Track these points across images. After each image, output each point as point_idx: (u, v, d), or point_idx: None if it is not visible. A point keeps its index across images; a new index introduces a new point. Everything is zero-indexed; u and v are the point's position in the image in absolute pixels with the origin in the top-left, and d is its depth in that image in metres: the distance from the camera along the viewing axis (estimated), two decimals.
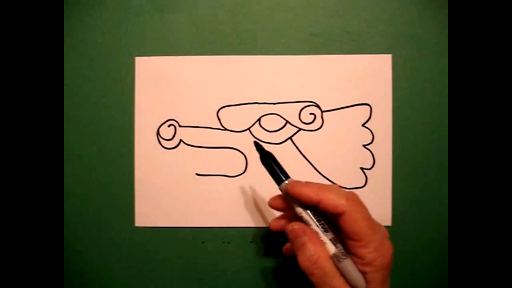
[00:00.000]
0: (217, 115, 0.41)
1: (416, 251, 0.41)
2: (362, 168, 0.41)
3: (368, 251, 0.30)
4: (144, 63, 0.41)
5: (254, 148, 0.35)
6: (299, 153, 0.41)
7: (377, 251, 0.30)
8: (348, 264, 0.30)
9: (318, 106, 0.41)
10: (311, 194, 0.31)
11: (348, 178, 0.41)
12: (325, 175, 0.41)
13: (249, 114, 0.41)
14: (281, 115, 0.41)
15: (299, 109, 0.41)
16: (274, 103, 0.41)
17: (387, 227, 0.41)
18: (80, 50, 0.41)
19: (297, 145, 0.41)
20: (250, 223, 0.41)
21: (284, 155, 0.41)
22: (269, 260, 0.41)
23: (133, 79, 0.41)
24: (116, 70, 0.41)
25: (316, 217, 0.31)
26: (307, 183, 0.32)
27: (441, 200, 0.41)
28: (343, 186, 0.41)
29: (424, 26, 0.41)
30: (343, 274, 0.30)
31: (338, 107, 0.41)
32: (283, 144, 0.41)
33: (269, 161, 0.34)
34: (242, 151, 0.41)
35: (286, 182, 0.33)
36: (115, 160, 0.41)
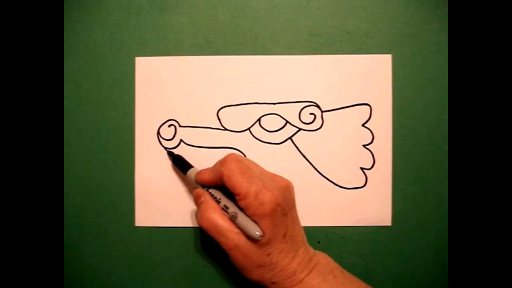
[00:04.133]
0: (217, 115, 0.41)
1: (416, 251, 0.41)
2: (362, 168, 0.41)
3: (248, 202, 0.33)
4: (144, 63, 0.41)
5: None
6: (299, 153, 0.41)
7: (255, 200, 0.33)
8: (241, 220, 0.34)
9: (318, 106, 0.41)
10: (206, 178, 0.36)
11: (348, 178, 0.41)
12: (325, 175, 0.41)
13: (249, 114, 0.41)
14: (281, 115, 0.41)
15: (299, 109, 0.41)
16: (274, 103, 0.41)
17: (387, 227, 0.41)
18: (80, 50, 0.41)
19: (297, 145, 0.41)
20: None
21: (284, 155, 0.41)
22: None
23: (133, 79, 0.41)
24: (116, 70, 0.41)
25: (214, 192, 0.36)
26: (203, 170, 0.38)
27: (441, 200, 0.41)
28: (343, 186, 0.41)
29: (424, 26, 0.41)
30: (242, 230, 0.34)
31: (338, 107, 0.41)
32: (283, 144, 0.41)
33: (179, 160, 0.40)
34: (242, 151, 0.41)
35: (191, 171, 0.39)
36: (115, 160, 0.41)
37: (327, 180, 0.41)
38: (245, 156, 0.41)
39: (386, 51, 0.41)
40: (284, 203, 0.34)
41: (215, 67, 0.41)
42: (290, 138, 0.41)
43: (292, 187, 0.36)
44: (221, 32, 0.41)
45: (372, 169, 0.41)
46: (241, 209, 0.34)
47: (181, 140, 0.41)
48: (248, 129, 0.41)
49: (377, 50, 0.41)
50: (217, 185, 0.36)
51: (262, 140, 0.41)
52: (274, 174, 0.37)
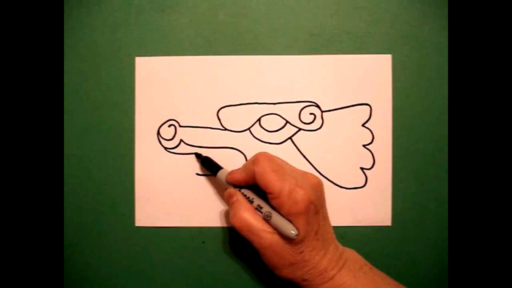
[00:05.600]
0: (217, 115, 0.41)
1: (416, 251, 0.41)
2: (362, 168, 0.41)
3: (281, 201, 0.33)
4: (144, 63, 0.41)
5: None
6: (299, 153, 0.41)
7: (289, 199, 0.32)
8: (275, 220, 0.33)
9: (318, 106, 0.41)
10: (238, 177, 0.36)
11: (348, 178, 0.41)
12: (325, 175, 0.41)
13: (249, 114, 0.41)
14: (281, 115, 0.41)
15: (299, 109, 0.41)
16: (274, 103, 0.41)
17: (387, 227, 0.41)
18: (80, 50, 0.41)
19: (297, 145, 0.41)
20: None
21: (284, 155, 0.41)
22: None
23: (133, 79, 0.41)
24: (116, 70, 0.41)
25: (246, 192, 0.36)
26: (234, 170, 0.37)
27: (441, 200, 0.41)
28: (343, 186, 0.41)
29: (424, 26, 0.41)
30: (276, 230, 0.33)
31: (338, 107, 0.41)
32: (283, 144, 0.41)
33: (208, 162, 0.40)
34: (242, 151, 0.41)
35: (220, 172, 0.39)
36: (115, 160, 0.41)
37: (327, 180, 0.41)
38: (245, 156, 0.41)
39: (386, 51, 0.41)
40: (316, 201, 0.34)
41: (215, 67, 0.41)
42: (290, 138, 0.41)
43: (322, 184, 0.36)
44: (221, 32, 0.41)
45: (372, 169, 0.41)
46: (273, 208, 0.34)
47: (181, 140, 0.41)
48: (248, 129, 0.41)
49: (377, 50, 0.41)
50: (249, 184, 0.36)
51: (262, 140, 0.41)
52: (304, 172, 0.36)
